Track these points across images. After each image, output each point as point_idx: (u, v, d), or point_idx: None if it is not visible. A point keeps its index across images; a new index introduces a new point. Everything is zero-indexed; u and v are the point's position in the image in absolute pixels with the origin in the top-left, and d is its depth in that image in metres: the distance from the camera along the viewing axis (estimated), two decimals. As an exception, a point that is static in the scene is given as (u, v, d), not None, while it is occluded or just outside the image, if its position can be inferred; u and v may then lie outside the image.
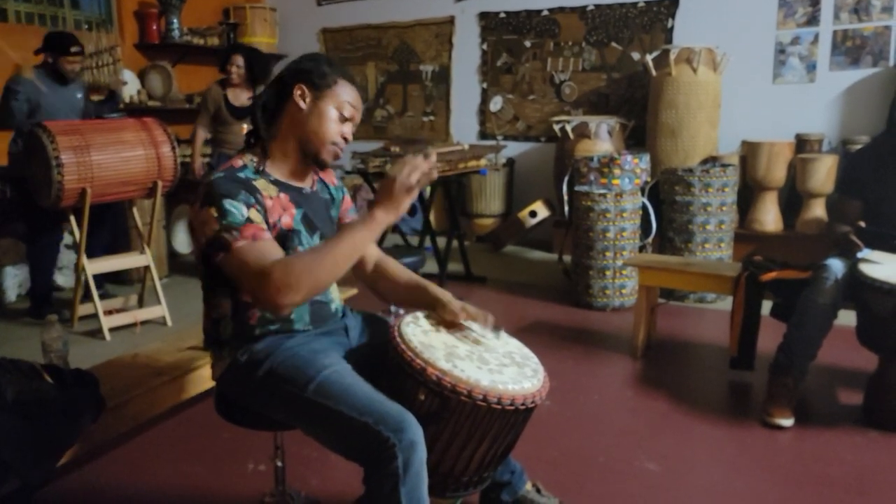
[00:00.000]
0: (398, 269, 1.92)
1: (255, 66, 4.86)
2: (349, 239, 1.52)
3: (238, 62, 4.81)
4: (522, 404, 1.55)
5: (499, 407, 1.52)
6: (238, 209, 1.55)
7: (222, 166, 1.69)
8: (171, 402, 2.53)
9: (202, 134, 4.97)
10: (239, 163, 1.68)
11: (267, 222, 1.61)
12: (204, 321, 1.77)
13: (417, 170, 1.52)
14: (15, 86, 3.97)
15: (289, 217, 1.68)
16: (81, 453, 2.13)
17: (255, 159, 1.70)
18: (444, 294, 1.80)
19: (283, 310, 1.51)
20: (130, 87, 5.85)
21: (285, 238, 1.66)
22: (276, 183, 1.69)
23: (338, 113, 1.70)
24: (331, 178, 1.92)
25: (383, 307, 1.93)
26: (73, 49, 4.03)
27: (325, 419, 1.54)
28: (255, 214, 1.57)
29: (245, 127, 4.86)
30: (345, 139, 1.73)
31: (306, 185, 1.78)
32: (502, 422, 1.58)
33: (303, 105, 1.68)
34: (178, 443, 2.63)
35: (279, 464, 1.94)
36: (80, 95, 4.29)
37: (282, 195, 1.68)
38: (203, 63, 6.59)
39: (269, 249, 1.55)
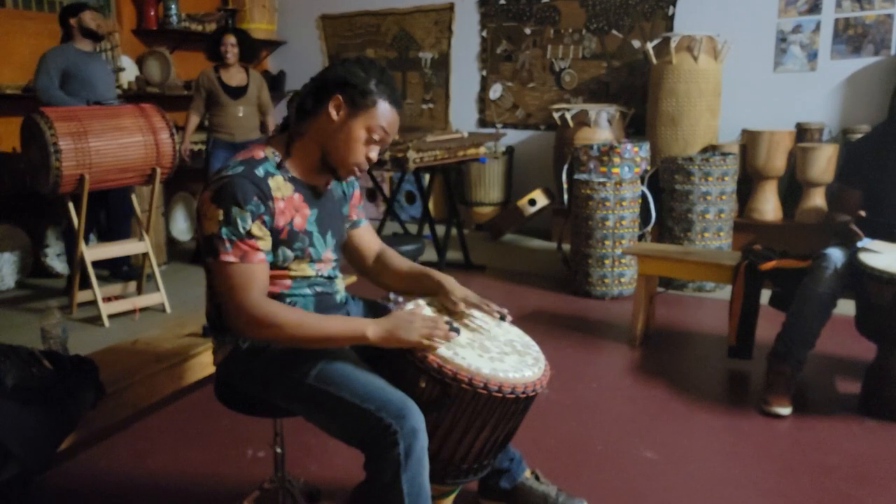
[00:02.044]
0: (399, 260, 1.91)
1: (244, 45, 4.90)
2: (331, 329, 1.55)
3: (231, 41, 4.84)
4: (523, 392, 1.55)
5: (499, 395, 1.52)
6: (243, 220, 1.53)
7: (241, 155, 1.65)
8: (171, 389, 2.54)
9: (195, 119, 4.98)
10: (260, 154, 1.65)
11: (272, 230, 1.60)
12: (207, 307, 1.77)
13: (434, 336, 1.54)
14: (44, 57, 4.17)
15: (301, 218, 1.66)
16: (81, 439, 2.13)
17: (277, 153, 1.67)
18: (447, 280, 1.79)
19: (240, 335, 1.57)
20: (128, 74, 5.82)
21: (296, 238, 1.65)
22: (292, 181, 1.66)
23: (367, 135, 1.63)
24: None
25: (383, 294, 1.93)
26: (90, 3, 4.30)
27: (326, 406, 1.55)
28: (257, 229, 1.56)
29: (242, 108, 4.87)
30: (369, 160, 1.67)
31: (322, 184, 1.75)
32: (503, 410, 1.58)
33: (335, 117, 1.62)
34: (178, 429, 2.63)
35: (279, 450, 1.94)
36: (109, 68, 4.48)
37: (296, 195, 1.66)
38: (201, 49, 6.55)
39: (256, 275, 1.56)
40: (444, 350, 1.53)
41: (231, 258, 1.53)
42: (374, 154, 1.67)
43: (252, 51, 5.00)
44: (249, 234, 1.54)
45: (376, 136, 1.64)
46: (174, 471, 2.34)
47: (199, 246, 1.69)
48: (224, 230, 1.53)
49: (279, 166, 1.65)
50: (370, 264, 1.93)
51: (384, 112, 1.63)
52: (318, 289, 1.74)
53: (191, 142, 5.11)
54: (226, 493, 2.17)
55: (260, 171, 1.60)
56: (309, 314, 1.60)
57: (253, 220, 1.55)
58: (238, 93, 4.87)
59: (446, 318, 1.64)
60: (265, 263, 1.59)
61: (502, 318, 1.77)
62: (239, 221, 1.53)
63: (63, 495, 2.22)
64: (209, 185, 1.59)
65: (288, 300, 1.68)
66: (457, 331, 1.60)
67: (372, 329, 1.54)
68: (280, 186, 1.63)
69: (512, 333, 1.77)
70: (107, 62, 4.57)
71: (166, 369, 2.47)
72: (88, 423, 2.07)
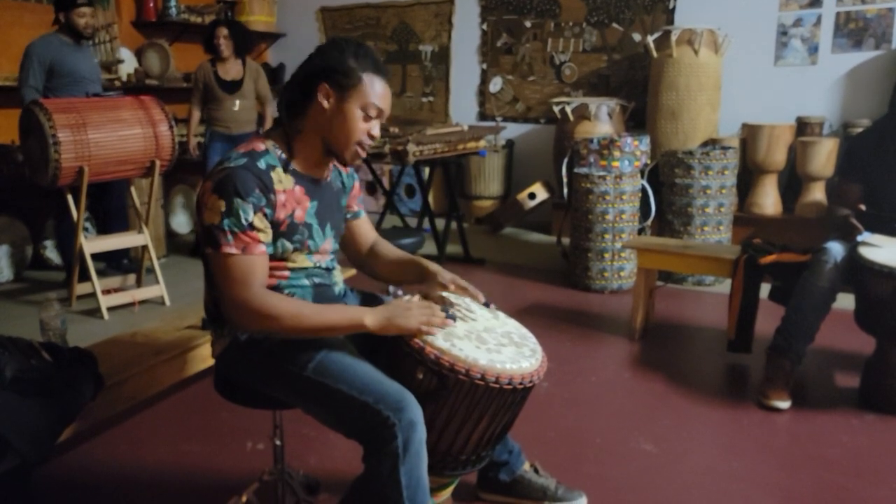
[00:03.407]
0: (390, 249, 1.93)
1: (238, 37, 4.86)
2: (329, 319, 1.55)
3: (223, 33, 4.81)
4: (520, 383, 1.55)
5: (496, 386, 1.52)
6: (245, 212, 1.53)
7: (242, 147, 1.64)
8: (170, 381, 2.53)
9: (197, 114, 4.99)
10: (261, 147, 1.63)
11: (273, 222, 1.60)
12: (205, 299, 1.77)
13: (431, 324, 1.56)
14: (29, 50, 4.10)
15: (302, 210, 1.66)
16: (80, 431, 2.13)
17: (279, 148, 1.65)
18: (434, 266, 1.80)
19: (238, 327, 1.58)
20: (127, 66, 5.81)
21: (295, 231, 1.65)
22: (293, 173, 1.66)
23: (363, 113, 1.63)
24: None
25: (382, 287, 1.92)
26: (80, 0, 4.09)
27: (324, 398, 1.54)
28: (259, 221, 1.55)
29: (238, 102, 4.86)
30: (371, 137, 1.66)
31: (323, 176, 1.75)
32: (500, 401, 1.58)
33: (326, 105, 1.62)
34: (177, 421, 2.64)
35: (278, 442, 1.94)
36: (95, 61, 4.42)
37: (297, 188, 1.65)
38: (200, 41, 6.53)
39: (256, 267, 1.56)
40: (441, 341, 1.53)
41: (232, 250, 1.53)
42: (375, 130, 1.67)
43: (247, 43, 4.97)
44: (251, 226, 1.54)
45: (372, 113, 1.64)
46: (173, 462, 2.34)
47: (198, 237, 1.68)
48: (226, 221, 1.52)
49: (280, 160, 1.64)
50: (364, 255, 1.95)
51: (372, 85, 1.62)
52: (317, 280, 1.73)
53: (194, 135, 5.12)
54: (225, 484, 2.18)
55: (262, 164, 1.60)
56: (306, 304, 1.60)
57: (255, 212, 1.54)
58: (233, 87, 4.86)
59: (442, 306, 1.65)
60: (265, 255, 1.59)
61: (486, 304, 1.78)
62: (241, 213, 1.52)
63: (62, 486, 2.23)
64: (211, 175, 1.58)
65: (286, 291, 1.67)
66: (453, 318, 1.62)
67: (370, 317, 1.54)
68: (282, 179, 1.62)
69: (509, 325, 1.77)
70: (92, 54, 4.51)
71: (165, 361, 2.46)
72: (88, 415, 2.06)
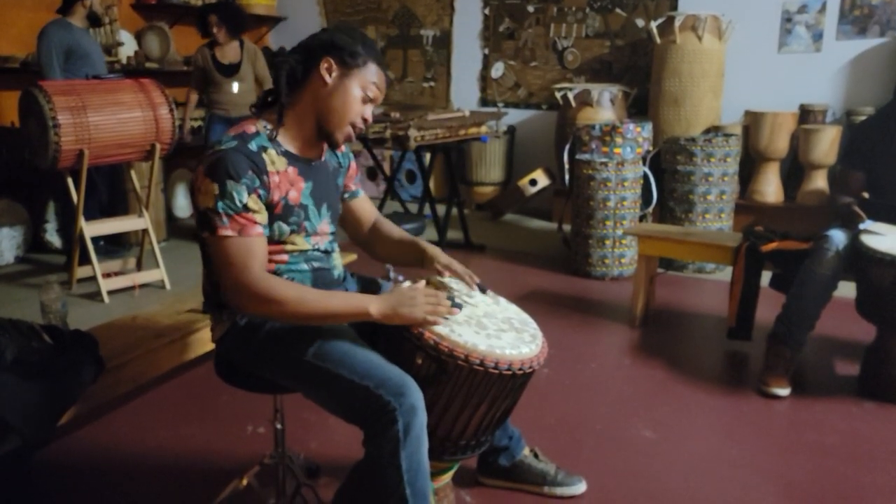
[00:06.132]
0: (392, 229, 1.92)
1: (229, 20, 4.84)
2: (333, 306, 1.54)
3: (213, 20, 4.80)
4: (520, 369, 1.55)
5: (496, 371, 1.52)
6: (239, 194, 1.52)
7: (233, 130, 1.63)
8: (171, 365, 2.53)
9: (194, 97, 5.07)
10: (252, 128, 1.62)
11: (267, 204, 1.58)
12: (203, 283, 1.76)
13: (437, 313, 1.54)
14: (48, 34, 4.14)
15: (296, 192, 1.65)
16: (81, 414, 2.13)
17: (269, 126, 1.64)
18: (431, 249, 1.80)
19: (239, 310, 1.56)
20: (127, 48, 5.77)
21: (291, 213, 1.64)
22: (285, 154, 1.64)
23: (362, 93, 1.64)
24: None
25: (383, 273, 1.92)
26: None
27: (325, 383, 1.54)
28: (253, 202, 1.54)
29: (236, 85, 4.87)
30: (364, 121, 1.68)
31: (315, 156, 1.73)
32: (499, 386, 1.58)
33: (328, 79, 1.62)
34: (178, 404, 2.64)
35: (279, 426, 1.95)
36: (99, 45, 4.51)
37: (290, 168, 1.64)
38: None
39: (255, 249, 1.54)
40: (440, 327, 1.53)
41: (228, 232, 1.52)
42: (368, 113, 1.68)
43: (238, 22, 4.93)
44: (246, 208, 1.53)
45: (370, 94, 1.66)
46: (174, 446, 2.35)
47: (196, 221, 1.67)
48: (220, 204, 1.51)
49: (272, 140, 1.63)
50: (365, 234, 1.94)
51: (375, 71, 1.66)
52: (315, 264, 1.73)
53: (191, 118, 5.14)
54: (226, 468, 2.18)
55: (253, 146, 1.58)
56: (309, 290, 1.59)
57: (249, 194, 1.53)
58: (230, 70, 4.87)
59: (448, 294, 1.64)
60: (263, 237, 1.57)
61: (482, 290, 1.77)
62: (235, 195, 1.51)
63: (64, 469, 2.23)
64: (203, 160, 1.57)
65: (285, 276, 1.66)
66: (459, 306, 1.61)
67: (375, 306, 1.53)
68: (274, 160, 1.61)
69: (510, 311, 1.77)
70: (96, 39, 4.57)
71: (166, 345, 2.46)
72: (88, 397, 2.06)
